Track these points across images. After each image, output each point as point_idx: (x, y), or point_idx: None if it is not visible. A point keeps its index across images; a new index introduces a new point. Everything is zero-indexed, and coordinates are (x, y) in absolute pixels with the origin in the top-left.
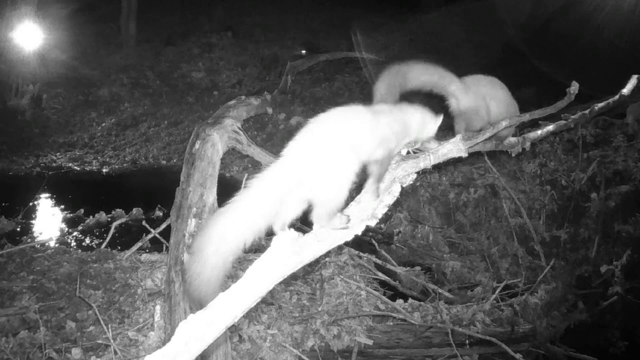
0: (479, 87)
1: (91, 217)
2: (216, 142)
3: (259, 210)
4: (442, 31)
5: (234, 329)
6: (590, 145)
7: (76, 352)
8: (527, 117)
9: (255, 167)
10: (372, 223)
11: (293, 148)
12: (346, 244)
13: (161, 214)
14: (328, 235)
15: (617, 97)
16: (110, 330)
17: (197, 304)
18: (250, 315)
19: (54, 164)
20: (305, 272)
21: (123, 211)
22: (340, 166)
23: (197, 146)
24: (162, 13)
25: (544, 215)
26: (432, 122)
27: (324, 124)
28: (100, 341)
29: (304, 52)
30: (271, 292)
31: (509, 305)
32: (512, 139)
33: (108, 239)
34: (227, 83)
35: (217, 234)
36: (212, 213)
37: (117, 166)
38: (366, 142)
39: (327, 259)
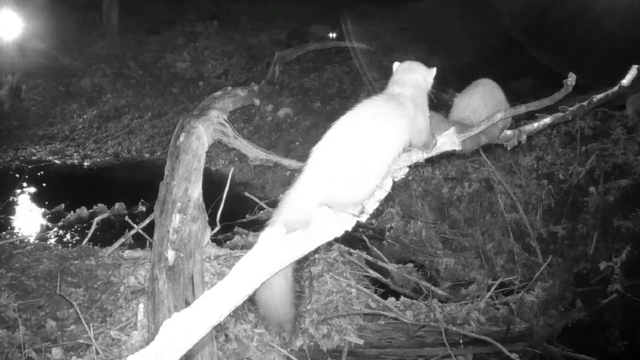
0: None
1: (72, 212)
2: (201, 135)
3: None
4: (436, 20)
5: (220, 328)
6: (589, 138)
7: (56, 352)
8: (523, 109)
9: (242, 160)
10: (363, 218)
11: (320, 153)
12: (336, 240)
13: (144, 209)
14: (318, 231)
15: (616, 88)
16: (91, 329)
17: None
18: (237, 314)
19: (33, 157)
20: (293, 269)
21: (105, 206)
22: (378, 163)
23: (181, 139)
24: (146, 1)
25: (541, 210)
26: (429, 74)
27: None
28: (81, 341)
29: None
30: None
31: (505, 303)
32: (508, 132)
33: (89, 235)
34: (212, 73)
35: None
36: (197, 208)
37: (98, 159)
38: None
39: (316, 255)
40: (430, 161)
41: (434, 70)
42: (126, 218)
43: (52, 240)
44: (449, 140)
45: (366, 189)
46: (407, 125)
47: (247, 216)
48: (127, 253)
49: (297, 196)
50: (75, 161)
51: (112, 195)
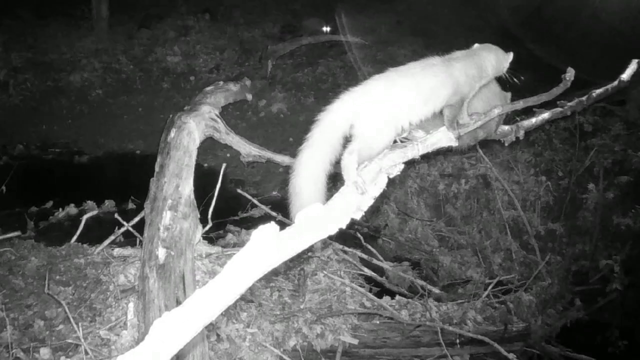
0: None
1: (61, 209)
2: (193, 130)
3: (324, 144)
4: (432, 13)
5: (211, 328)
6: (588, 134)
7: (45, 352)
8: (521, 104)
9: (234, 156)
10: (358, 216)
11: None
12: (330, 238)
13: (134, 206)
14: (312, 228)
15: (616, 83)
16: (80, 329)
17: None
18: (229, 313)
19: (21, 154)
20: (286, 268)
21: (94, 203)
22: (390, 109)
23: (172, 134)
24: None
25: (539, 207)
26: (505, 59)
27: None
28: (70, 340)
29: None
30: (251, 289)
31: (502, 302)
32: (506, 128)
33: (78, 232)
34: (204, 68)
35: (301, 163)
36: (189, 205)
37: (88, 156)
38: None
39: (309, 253)
40: (426, 157)
41: (510, 55)
42: (116, 215)
43: (41, 238)
44: (444, 136)
45: (384, 134)
46: (448, 83)
47: (239, 213)
48: (117, 251)
49: (331, 109)
50: (64, 158)
51: (101, 192)
